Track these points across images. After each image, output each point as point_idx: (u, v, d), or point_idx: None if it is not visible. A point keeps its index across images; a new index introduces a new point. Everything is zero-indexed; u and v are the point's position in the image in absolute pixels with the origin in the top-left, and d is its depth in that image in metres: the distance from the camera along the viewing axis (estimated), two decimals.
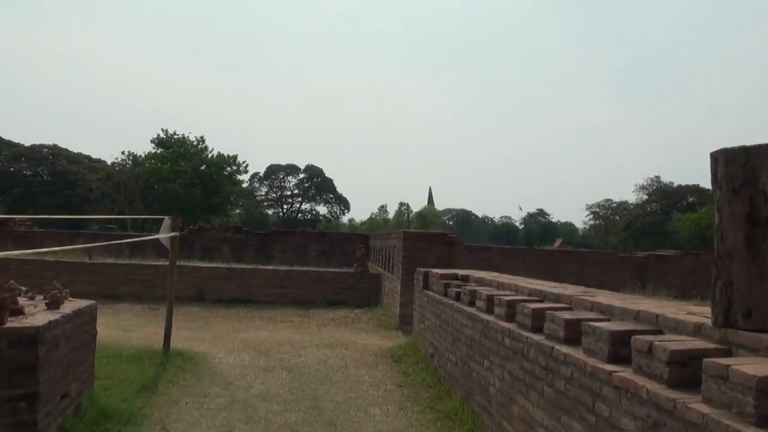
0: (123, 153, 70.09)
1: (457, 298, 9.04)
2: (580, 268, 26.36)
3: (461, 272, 10.71)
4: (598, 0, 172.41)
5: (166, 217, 11.92)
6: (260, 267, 19.46)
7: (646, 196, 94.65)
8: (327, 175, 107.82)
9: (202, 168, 65.00)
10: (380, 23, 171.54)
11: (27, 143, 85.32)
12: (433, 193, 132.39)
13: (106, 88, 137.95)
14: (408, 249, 14.99)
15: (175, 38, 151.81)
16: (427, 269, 11.67)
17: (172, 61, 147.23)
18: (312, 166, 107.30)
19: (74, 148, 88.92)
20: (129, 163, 69.69)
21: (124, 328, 14.21)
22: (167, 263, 19.90)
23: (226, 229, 25.58)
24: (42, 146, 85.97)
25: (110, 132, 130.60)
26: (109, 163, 73.46)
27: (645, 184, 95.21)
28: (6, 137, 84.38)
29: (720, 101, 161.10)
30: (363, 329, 15.05)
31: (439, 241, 15.14)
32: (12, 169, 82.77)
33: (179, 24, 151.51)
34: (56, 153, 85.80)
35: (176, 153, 64.66)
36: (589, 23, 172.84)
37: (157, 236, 12.08)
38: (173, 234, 11.81)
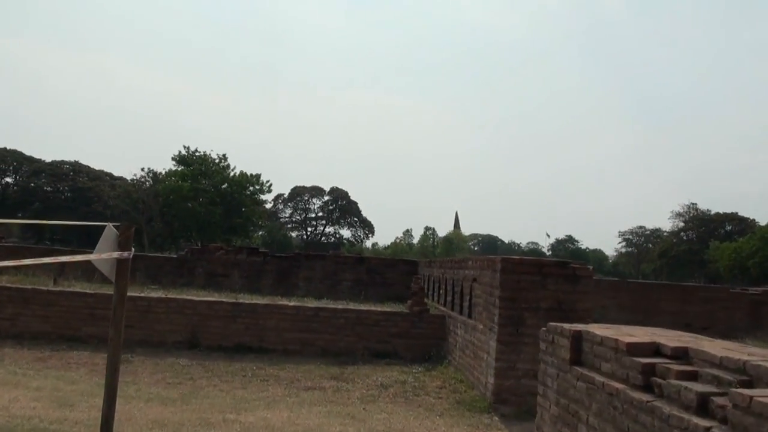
0: (142, 170, 66.63)
1: (686, 405, 3.68)
2: (682, 305, 20.96)
3: (665, 339, 5.30)
4: (622, 24, 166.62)
5: (109, 225, 6.60)
6: (278, 302, 14.06)
7: (682, 224, 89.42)
8: (352, 197, 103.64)
9: (224, 186, 61.57)
10: (405, 47, 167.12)
11: (48, 159, 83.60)
12: (459, 218, 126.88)
13: (129, 105, 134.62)
14: (510, 286, 9.61)
15: (198, 56, 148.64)
16: (580, 328, 6.22)
17: (195, 79, 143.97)
18: (337, 188, 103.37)
19: (96, 165, 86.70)
20: (149, 180, 66.89)
21: (61, 398, 9.08)
22: (155, 295, 14.64)
23: (237, 251, 20.17)
24: (63, 162, 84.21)
25: (132, 149, 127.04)
26: (128, 179, 69.98)
27: (681, 211, 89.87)
28: (27, 153, 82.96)
29: (756, 127, 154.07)
30: (434, 408, 9.64)
31: (557, 274, 9.72)
32: (32, 184, 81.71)
33: (203, 42, 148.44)
34: (77, 169, 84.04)
35: (197, 171, 61.40)
36: (614, 45, 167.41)
37: (90, 257, 6.74)
38: (121, 254, 6.55)
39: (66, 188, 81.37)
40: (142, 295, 13.42)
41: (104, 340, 12.83)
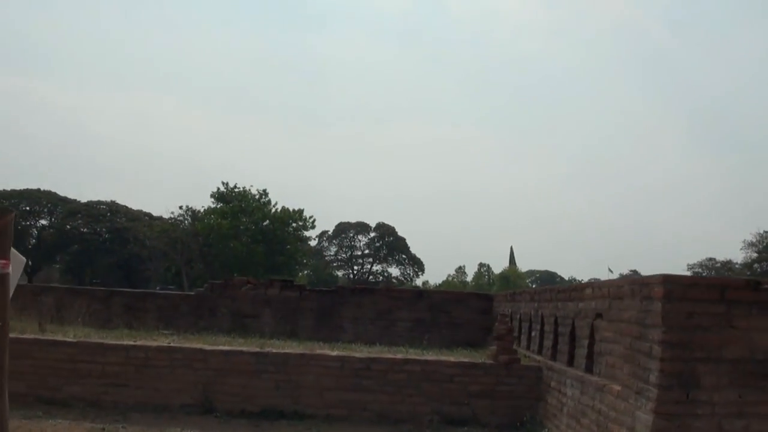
0: (180, 208, 64.48)
1: None
2: None
3: None
4: (676, 50, 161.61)
5: None
6: (317, 352, 10.55)
7: (755, 254, 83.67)
8: (399, 234, 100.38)
9: (265, 223, 59.15)
10: (454, 80, 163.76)
11: (83, 200, 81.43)
12: (514, 253, 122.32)
13: (167, 143, 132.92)
14: (677, 322, 6.06)
15: (237, 92, 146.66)
16: None
17: (233, 114, 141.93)
18: (383, 224, 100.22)
19: (133, 204, 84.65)
20: (187, 219, 64.95)
21: None
22: (153, 343, 11.30)
23: (268, 285, 16.70)
24: (99, 203, 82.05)
25: (170, 187, 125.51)
26: (166, 218, 68.09)
27: (754, 240, 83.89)
28: (62, 193, 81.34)
29: None
30: None
31: (748, 300, 6.15)
32: (68, 226, 79.53)
33: (240, 77, 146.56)
34: (114, 210, 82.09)
35: (237, 208, 59.26)
36: (673, 71, 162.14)
37: None
38: None
39: (103, 229, 79.16)
40: (137, 343, 10.09)
41: (92, 402, 9.58)
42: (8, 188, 78.59)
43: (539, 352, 10.99)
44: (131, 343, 10.14)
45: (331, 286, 18.15)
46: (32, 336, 10.24)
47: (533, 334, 11.58)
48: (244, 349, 10.16)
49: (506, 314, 12.23)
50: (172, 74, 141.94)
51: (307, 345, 12.72)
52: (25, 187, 79.72)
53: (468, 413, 10.16)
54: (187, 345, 10.23)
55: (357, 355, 10.52)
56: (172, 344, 10.18)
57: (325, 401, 10.04)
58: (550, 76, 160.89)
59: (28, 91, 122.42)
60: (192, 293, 17.47)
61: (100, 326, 14.06)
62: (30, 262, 78.83)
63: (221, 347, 10.22)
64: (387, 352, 11.75)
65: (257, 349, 10.22)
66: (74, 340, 10.14)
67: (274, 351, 10.24)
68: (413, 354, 11.81)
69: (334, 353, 10.40)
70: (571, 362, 9.24)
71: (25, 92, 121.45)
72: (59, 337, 10.29)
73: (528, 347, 11.75)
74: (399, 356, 10.68)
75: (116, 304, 16.17)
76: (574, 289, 9.37)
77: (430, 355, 11.35)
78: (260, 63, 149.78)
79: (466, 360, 10.77)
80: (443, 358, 10.92)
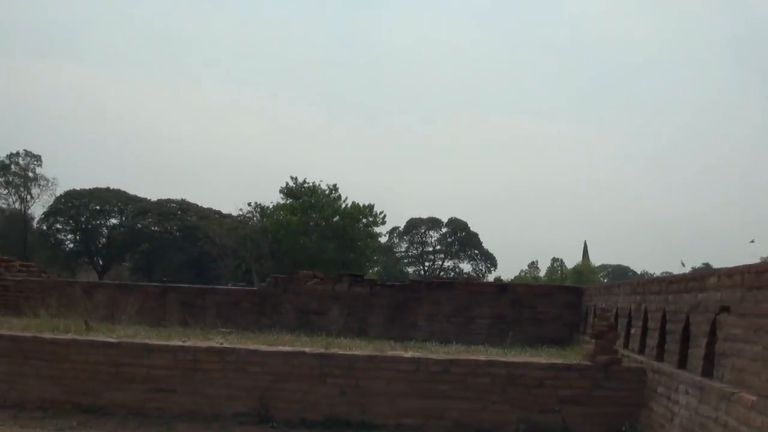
0: (249, 204, 64.10)
1: None
2: None
3: None
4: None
5: None
6: (388, 353, 9.29)
7: None
8: (472, 229, 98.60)
9: (335, 219, 58.19)
10: (522, 65, 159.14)
11: (153, 198, 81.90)
12: (588, 247, 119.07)
13: (235, 140, 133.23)
14: None
15: (304, 84, 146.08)
16: None
17: (300, 108, 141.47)
18: (455, 219, 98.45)
19: (203, 202, 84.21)
20: (256, 216, 64.68)
21: None
22: (203, 344, 10.14)
23: (336, 279, 15.42)
24: (169, 201, 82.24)
25: (239, 186, 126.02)
26: (234, 215, 68.09)
27: None
28: (131, 192, 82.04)
29: None
30: None
31: None
32: (139, 225, 79.99)
33: (308, 69, 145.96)
34: (184, 208, 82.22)
35: (306, 203, 58.35)
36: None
37: None
38: None
39: (174, 227, 79.26)
40: (186, 344, 9.01)
41: (134, 410, 8.59)
42: (78, 188, 79.42)
43: (640, 352, 9.52)
44: (179, 344, 9.07)
45: (404, 281, 16.74)
46: (69, 336, 9.24)
47: (632, 331, 10.10)
48: (307, 350, 8.97)
49: (608, 309, 10.74)
50: (238, 71, 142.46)
51: (377, 345, 11.50)
52: (95, 186, 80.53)
53: (557, 423, 8.82)
54: (241, 346, 9.10)
55: (433, 356, 9.25)
56: (224, 345, 9.07)
57: (397, 409, 8.82)
58: (630, 63, 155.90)
59: (97, 91, 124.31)
60: (254, 288, 16.41)
61: (154, 324, 13.10)
62: (100, 261, 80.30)
63: (280, 348, 9.06)
64: (466, 353, 10.45)
65: (321, 350, 9.02)
66: (116, 341, 9.12)
67: (340, 353, 9.04)
68: (496, 354, 10.48)
69: (408, 354, 9.15)
70: (682, 364, 7.80)
71: (93, 92, 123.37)
72: (99, 338, 9.27)
73: (626, 346, 10.27)
74: (481, 357, 9.36)
75: (172, 301, 15.20)
76: (691, 279, 7.88)
77: (516, 356, 9.98)
78: (326, 56, 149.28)
79: (558, 361, 9.39)
80: (532, 359, 9.56)
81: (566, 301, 15.41)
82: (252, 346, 9.12)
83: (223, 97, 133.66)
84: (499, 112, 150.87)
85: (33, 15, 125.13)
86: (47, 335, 9.25)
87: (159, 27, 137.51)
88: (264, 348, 9.02)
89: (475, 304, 15.64)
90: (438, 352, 10.38)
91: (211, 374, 8.92)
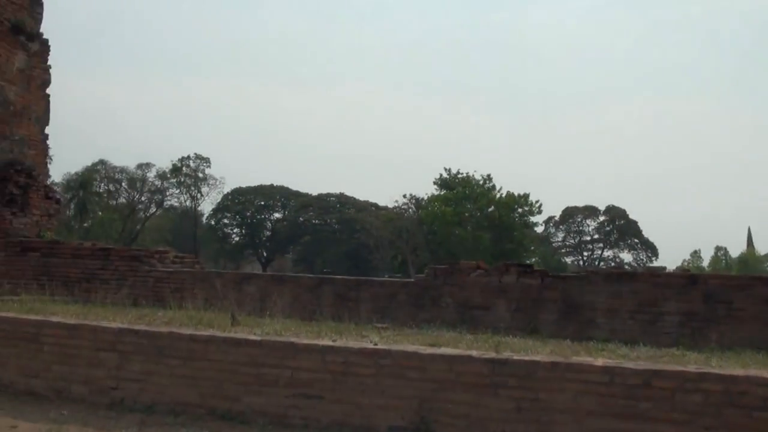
0: (404, 196, 64.12)
1: None
2: None
3: None
4: None
5: None
6: (575, 360, 7.59)
7: None
8: (631, 217, 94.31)
9: (490, 210, 56.80)
10: (679, 42, 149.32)
11: (314, 193, 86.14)
12: (752, 234, 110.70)
13: (389, 133, 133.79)
14: None
15: (456, 76, 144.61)
16: None
17: (451, 99, 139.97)
18: (613, 207, 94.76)
19: (361, 195, 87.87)
20: (411, 207, 64.58)
21: None
22: (355, 344, 8.67)
23: (502, 270, 13.77)
24: (329, 195, 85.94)
25: (395, 177, 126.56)
26: (390, 207, 68.65)
27: None
28: (294, 188, 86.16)
29: None
30: None
31: None
32: (301, 218, 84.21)
33: (456, 61, 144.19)
34: (343, 201, 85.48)
35: (461, 194, 57.44)
36: None
37: None
38: None
39: (333, 220, 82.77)
40: (335, 344, 7.71)
41: (277, 418, 7.41)
42: (244, 185, 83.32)
43: None
44: (328, 343, 7.79)
45: (580, 272, 14.83)
46: (208, 333, 8.20)
47: None
48: (474, 354, 7.46)
49: None
50: (384, 68, 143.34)
51: (554, 346, 9.89)
52: (259, 183, 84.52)
53: None
54: (398, 348, 7.70)
55: (631, 365, 7.49)
56: (379, 346, 7.72)
57: (585, 431, 7.16)
58: None
59: (260, 91, 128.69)
60: (412, 280, 15.08)
61: (306, 318, 12.05)
62: (264, 253, 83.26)
63: (443, 351, 7.59)
64: (670, 361, 8.61)
65: (492, 355, 7.48)
66: (258, 339, 7.97)
67: (515, 358, 7.45)
68: (702, 363, 8.59)
69: (599, 362, 7.43)
70: None
71: (257, 92, 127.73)
72: (240, 335, 8.17)
73: None
74: (691, 368, 7.51)
75: (325, 294, 14.14)
76: None
77: (737, 370, 8.02)
78: (471, 45, 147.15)
79: None
80: (755, 372, 7.59)
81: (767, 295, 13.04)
82: (411, 348, 7.71)
83: (376, 93, 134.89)
84: (657, 96, 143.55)
85: (199, 33, 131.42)
86: (185, 331, 8.27)
87: (304, 27, 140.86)
88: (423, 350, 7.58)
89: (662, 298, 13.55)
90: (632, 358, 8.61)
91: (363, 379, 7.60)
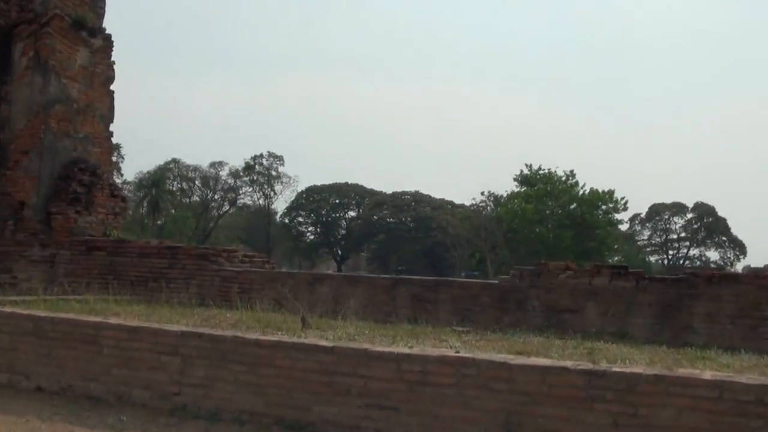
0: (482, 194, 63.08)
1: None
2: None
3: None
4: None
5: None
6: (680, 373, 6.74)
7: None
8: (719, 214, 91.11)
9: (573, 207, 55.20)
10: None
11: (388, 191, 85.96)
12: None
13: (467, 130, 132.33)
14: None
15: (538, 72, 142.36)
16: None
17: (531, 95, 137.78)
18: (702, 203, 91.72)
19: (436, 194, 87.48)
20: (490, 205, 63.57)
21: None
22: (434, 351, 7.91)
23: (593, 272, 12.83)
24: (403, 193, 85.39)
25: (472, 176, 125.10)
26: (467, 205, 67.83)
27: None
28: (368, 186, 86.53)
29: None
30: None
31: None
32: (375, 217, 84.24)
33: (534, 56, 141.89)
34: (418, 199, 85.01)
35: (542, 191, 56.03)
36: None
37: None
38: None
39: (408, 218, 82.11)
40: (412, 352, 7.06)
41: (347, 429, 6.79)
42: (318, 183, 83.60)
43: None
44: (405, 351, 7.15)
45: (678, 273, 13.71)
46: (275, 338, 7.65)
47: None
48: (569, 365, 6.71)
49: None
50: (464, 64, 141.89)
51: (649, 352, 9.06)
52: (334, 181, 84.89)
53: None
54: (483, 356, 6.99)
55: (742, 380, 6.62)
56: (461, 354, 7.04)
57: None
58: None
59: (334, 88, 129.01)
60: (495, 281, 14.28)
61: (381, 320, 11.48)
62: (339, 252, 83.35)
63: (534, 361, 6.86)
64: None
65: (589, 367, 6.72)
66: (330, 345, 7.38)
67: (614, 369, 6.67)
68: None
69: (707, 376, 6.59)
70: None
71: (331, 89, 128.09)
72: (310, 340, 7.59)
73: None
74: None
75: (402, 295, 13.49)
76: None
77: None
78: (552, 41, 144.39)
79: None
80: None
81: None
82: (498, 357, 6.99)
83: (451, 90, 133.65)
84: (741, 87, 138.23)
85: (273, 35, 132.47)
86: (250, 335, 7.74)
87: (376, 28, 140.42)
88: (514, 360, 6.86)
89: (765, 302, 12.50)
90: (737, 368, 7.73)
91: (443, 390, 6.94)
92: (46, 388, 8.40)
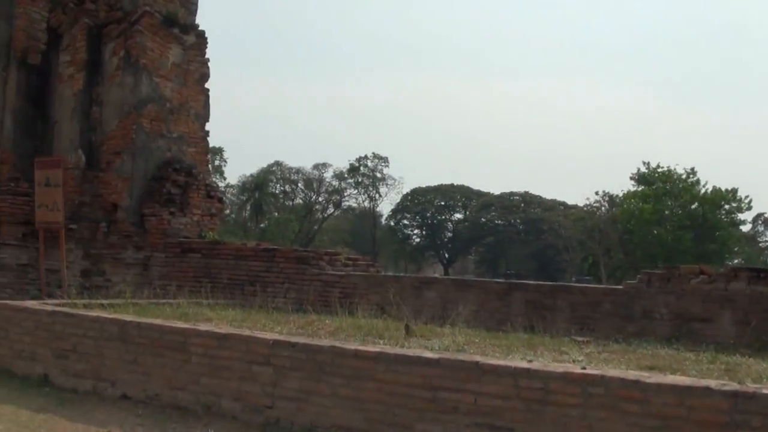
0: (597, 194, 61.03)
1: None
2: None
3: None
4: None
5: None
6: None
7: None
8: None
9: (694, 207, 52.60)
10: None
11: (496, 192, 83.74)
12: None
13: (578, 129, 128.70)
14: None
15: (656, 68, 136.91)
16: None
17: (643, 90, 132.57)
18: None
19: (548, 195, 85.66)
20: (604, 205, 61.39)
21: None
22: (558, 367, 7.15)
23: (730, 277, 11.48)
24: (512, 194, 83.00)
25: (586, 176, 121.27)
26: (581, 206, 65.69)
27: None
28: (475, 187, 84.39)
29: None
30: None
31: None
32: (483, 219, 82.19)
33: (646, 52, 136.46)
34: (528, 200, 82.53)
35: (661, 190, 53.59)
36: None
37: None
38: None
39: (517, 220, 79.90)
40: (531, 367, 6.29)
41: None
42: (423, 185, 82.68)
43: None
44: (523, 365, 6.37)
45: None
46: (377, 349, 7.01)
47: None
48: (713, 385, 5.79)
49: None
50: (572, 56, 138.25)
51: None
52: (439, 182, 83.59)
53: None
54: (613, 374, 6.14)
55: None
56: (587, 371, 6.21)
57: None
58: None
59: (440, 88, 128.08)
60: (619, 287, 13.19)
61: (493, 328, 10.67)
62: (446, 255, 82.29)
63: (671, 380, 5.96)
64: None
65: (736, 388, 5.78)
66: (436, 357, 6.68)
67: (765, 392, 5.72)
68: None
69: None
70: None
71: (436, 89, 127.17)
72: (413, 352, 6.91)
73: None
74: None
75: (516, 301, 12.67)
76: None
77: None
78: (667, 31, 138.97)
79: None
80: None
81: None
82: (630, 375, 6.12)
83: (559, 88, 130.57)
84: None
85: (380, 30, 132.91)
86: (348, 346, 7.12)
87: (481, 25, 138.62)
88: (648, 379, 5.99)
89: None
90: None
91: (566, 411, 6.12)
92: (132, 396, 8.02)
